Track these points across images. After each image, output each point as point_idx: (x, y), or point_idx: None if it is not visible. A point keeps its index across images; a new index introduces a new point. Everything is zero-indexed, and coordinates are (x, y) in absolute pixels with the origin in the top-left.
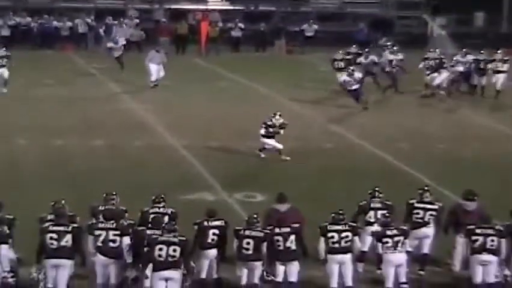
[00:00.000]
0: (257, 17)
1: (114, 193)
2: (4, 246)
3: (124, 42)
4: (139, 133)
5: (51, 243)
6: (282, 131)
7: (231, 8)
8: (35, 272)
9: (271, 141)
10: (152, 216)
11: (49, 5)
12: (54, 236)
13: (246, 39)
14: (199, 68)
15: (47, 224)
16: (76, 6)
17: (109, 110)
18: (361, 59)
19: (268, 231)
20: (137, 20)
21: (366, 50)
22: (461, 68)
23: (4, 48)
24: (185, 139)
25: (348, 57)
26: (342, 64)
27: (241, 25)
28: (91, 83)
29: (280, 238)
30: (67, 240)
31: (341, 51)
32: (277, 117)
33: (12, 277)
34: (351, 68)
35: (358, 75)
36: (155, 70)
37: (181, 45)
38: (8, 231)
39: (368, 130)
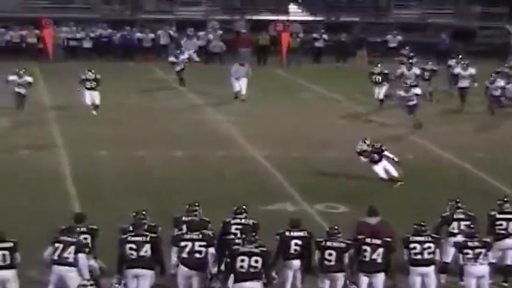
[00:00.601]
0: (338, 28)
1: (197, 204)
2: (82, 255)
3: (186, 57)
4: (220, 144)
5: (131, 254)
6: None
7: (312, 19)
8: (116, 283)
9: (375, 167)
10: (235, 227)
11: (130, 17)
12: (134, 246)
13: (326, 50)
14: (280, 79)
15: (126, 235)
16: (157, 18)
17: (190, 121)
18: (403, 70)
19: (350, 242)
20: (221, 32)
21: (410, 61)
22: (501, 83)
23: (92, 71)
24: (266, 150)
25: (386, 71)
26: (379, 78)
27: (326, 36)
28: (172, 94)
29: (368, 249)
30: (146, 250)
31: (379, 65)
32: (360, 143)
33: (91, 285)
34: (409, 83)
35: (416, 91)
36: (238, 83)
37: (262, 56)
38: (88, 241)
39: (446, 140)
